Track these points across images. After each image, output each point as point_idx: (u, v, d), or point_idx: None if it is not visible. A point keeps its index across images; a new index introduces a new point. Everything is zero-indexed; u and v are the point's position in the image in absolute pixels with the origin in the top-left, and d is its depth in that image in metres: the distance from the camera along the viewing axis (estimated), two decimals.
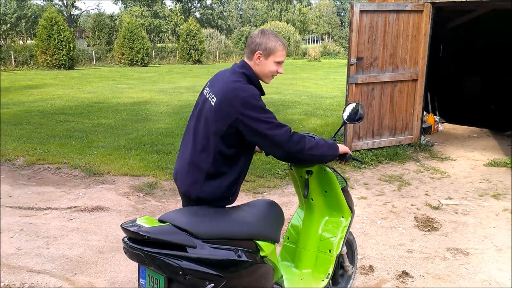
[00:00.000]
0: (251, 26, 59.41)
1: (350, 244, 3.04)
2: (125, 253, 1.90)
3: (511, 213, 4.54)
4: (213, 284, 1.92)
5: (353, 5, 6.21)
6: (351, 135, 6.48)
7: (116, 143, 7.57)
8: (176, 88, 16.61)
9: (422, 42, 6.69)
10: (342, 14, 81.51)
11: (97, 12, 47.92)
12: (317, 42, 60.58)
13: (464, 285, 3.22)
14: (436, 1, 6.52)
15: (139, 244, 1.84)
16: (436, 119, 8.61)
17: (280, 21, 55.86)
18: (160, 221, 2.02)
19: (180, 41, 35.25)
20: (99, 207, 4.77)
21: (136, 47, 30.81)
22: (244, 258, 2.04)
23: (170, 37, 52.62)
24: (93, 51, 34.07)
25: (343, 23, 77.49)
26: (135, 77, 21.96)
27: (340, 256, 2.74)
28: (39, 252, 3.72)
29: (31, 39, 36.74)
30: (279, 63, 2.29)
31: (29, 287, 3.18)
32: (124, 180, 5.67)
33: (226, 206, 2.33)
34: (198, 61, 34.81)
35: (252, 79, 2.27)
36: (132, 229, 1.83)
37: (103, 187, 5.42)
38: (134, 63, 30.97)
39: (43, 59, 26.31)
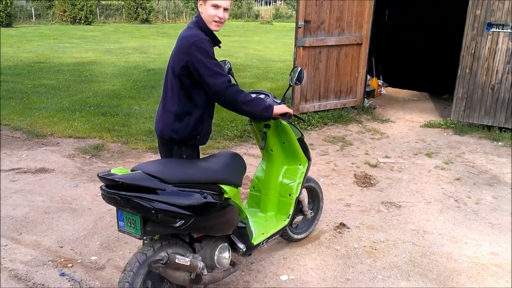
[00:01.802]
0: None
1: (315, 193, 3.39)
2: (103, 198, 2.15)
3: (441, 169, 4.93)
4: (183, 221, 2.16)
5: None
6: (298, 97, 6.64)
7: (59, 104, 7.33)
8: (123, 48, 16.00)
9: (367, 6, 6.85)
10: None
11: None
12: (269, 4, 59.82)
13: (395, 233, 3.52)
14: None
15: (115, 189, 2.07)
16: (380, 83, 8.95)
17: None
18: (132, 170, 2.23)
19: None
20: (43, 169, 4.68)
21: (79, 4, 29.05)
22: (209, 199, 2.29)
23: None
24: (32, 8, 31.83)
25: None
26: (78, 36, 20.87)
27: (299, 201, 3.09)
28: None
29: None
30: (216, 6, 2.43)
31: None
32: (69, 142, 5.56)
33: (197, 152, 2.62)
34: (146, 21, 33.42)
35: (202, 27, 2.47)
36: (108, 177, 2.06)
37: (47, 149, 5.29)
38: (77, 21, 29.27)
39: None
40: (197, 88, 2.45)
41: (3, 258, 3.05)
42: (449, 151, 5.54)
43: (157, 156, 3.51)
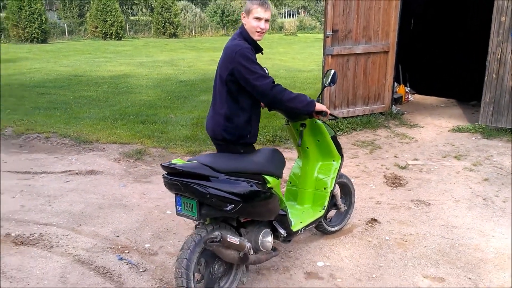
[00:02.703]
0: None
1: (348, 188, 3.64)
2: (165, 185, 2.49)
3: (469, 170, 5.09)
4: (233, 205, 2.46)
5: None
6: (327, 104, 6.89)
7: (101, 114, 7.79)
8: (154, 61, 16.64)
9: (393, 15, 7.08)
10: None
11: None
12: (293, 16, 60.42)
13: (425, 228, 3.72)
14: None
15: (176, 177, 2.41)
16: (407, 90, 9.11)
17: None
18: (189, 160, 2.56)
19: (155, 14, 34.67)
20: (93, 171, 5.07)
21: (110, 20, 30.22)
22: (254, 187, 2.58)
23: (144, 10, 51.47)
24: (65, 24, 33.22)
25: None
26: (111, 50, 21.75)
27: (333, 195, 3.35)
28: (42, 209, 4.04)
29: (0, 12, 35.49)
30: (258, 19, 2.72)
31: (38, 236, 3.51)
32: (114, 148, 5.96)
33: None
34: (173, 35, 34.40)
35: (246, 38, 2.77)
36: (170, 166, 2.41)
37: (94, 154, 5.70)
38: (108, 36, 30.43)
39: (14, 32, 25.62)
40: (243, 93, 2.72)
41: (67, 245, 3.40)
42: (477, 153, 5.69)
43: None
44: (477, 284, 2.94)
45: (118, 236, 3.55)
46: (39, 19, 25.78)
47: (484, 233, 3.64)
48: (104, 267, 3.10)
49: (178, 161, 2.50)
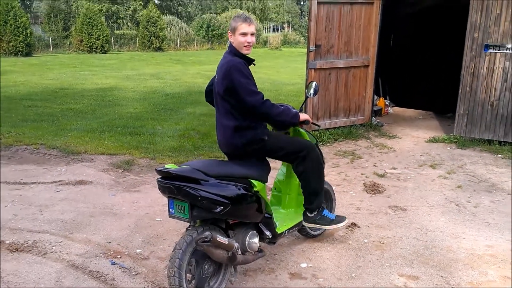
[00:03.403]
0: (211, 13, 59.09)
1: (329, 195, 3.83)
2: (159, 188, 2.69)
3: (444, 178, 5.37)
4: (222, 207, 2.64)
5: None
6: (311, 115, 7.13)
7: (89, 126, 7.92)
8: (140, 75, 16.79)
9: (373, 32, 7.42)
10: (302, 3, 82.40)
11: None
12: (277, 31, 61.29)
13: (401, 231, 3.95)
14: None
15: (169, 180, 2.60)
16: (387, 103, 9.45)
17: (240, 9, 56.06)
18: (182, 166, 2.76)
19: (141, 28, 34.95)
20: (82, 181, 5.20)
21: (95, 34, 30.36)
22: (242, 191, 2.78)
23: (129, 24, 51.66)
24: (50, 38, 33.21)
25: (303, 12, 78.40)
26: (96, 64, 21.83)
27: None
28: (34, 217, 4.16)
29: None
30: (244, 34, 2.93)
31: (32, 243, 3.63)
32: (102, 159, 6.09)
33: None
34: (159, 49, 34.66)
35: (235, 53, 2.97)
36: (164, 170, 2.61)
37: (83, 165, 5.83)
38: (93, 50, 30.53)
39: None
40: (242, 103, 2.88)
41: (60, 251, 3.53)
42: (451, 162, 5.98)
43: None
44: (448, 281, 3.17)
45: (110, 242, 3.69)
46: (24, 33, 25.79)
47: (456, 235, 3.88)
48: (98, 271, 3.24)
49: (172, 166, 2.70)
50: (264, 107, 2.86)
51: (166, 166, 2.67)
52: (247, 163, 3.00)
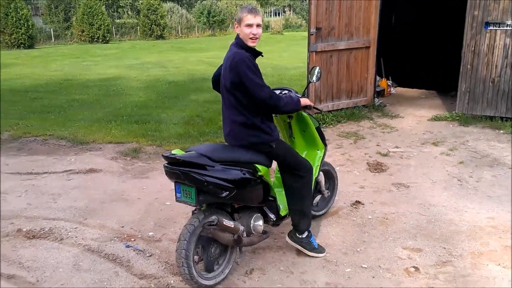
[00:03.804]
0: None
1: (331, 175, 3.91)
2: (166, 174, 2.77)
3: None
4: (228, 192, 2.72)
5: None
6: (313, 98, 7.22)
7: (95, 116, 8.03)
8: (143, 63, 16.84)
9: (373, 13, 7.43)
10: None
11: None
12: (279, 15, 60.74)
13: (404, 207, 4.06)
14: None
15: (176, 166, 2.67)
16: (389, 83, 9.49)
17: None
18: (187, 151, 2.82)
19: (141, 16, 34.82)
20: (92, 169, 5.33)
21: (97, 24, 30.34)
22: (247, 175, 2.85)
23: (129, 13, 51.41)
24: (51, 29, 33.21)
25: None
26: (99, 54, 21.88)
27: (317, 182, 3.61)
28: (48, 206, 4.30)
29: None
30: (249, 25, 2.89)
31: (49, 230, 3.78)
32: (110, 147, 6.21)
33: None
34: (160, 37, 34.57)
35: (242, 46, 2.92)
36: (171, 156, 2.67)
37: (92, 154, 5.95)
38: (95, 40, 30.53)
39: (1, 38, 25.61)
40: (249, 97, 2.87)
41: (76, 237, 3.68)
42: (454, 139, 6.06)
43: None
44: (451, 252, 3.28)
45: (123, 227, 3.83)
46: (25, 25, 25.84)
47: (458, 209, 3.99)
48: (113, 254, 3.38)
49: (178, 152, 2.78)
50: (272, 100, 2.87)
51: (173, 152, 2.74)
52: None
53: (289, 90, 3.46)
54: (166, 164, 2.75)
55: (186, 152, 2.83)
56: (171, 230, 3.75)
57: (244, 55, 2.83)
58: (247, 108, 2.90)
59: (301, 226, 3.23)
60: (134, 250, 3.43)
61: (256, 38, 2.92)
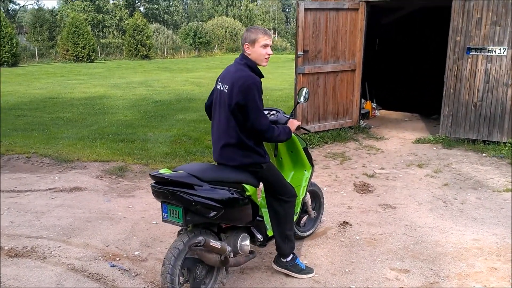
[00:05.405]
0: (198, 21, 59.25)
1: (317, 195, 3.90)
2: (153, 193, 2.70)
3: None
4: (216, 212, 2.68)
5: (299, 4, 7.00)
6: (300, 119, 7.28)
7: (80, 134, 7.95)
8: (128, 83, 16.82)
9: (358, 37, 7.61)
10: (287, 10, 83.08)
11: (36, 7, 46.12)
12: None
13: (391, 228, 4.09)
14: (369, 0, 7.46)
15: (164, 185, 2.62)
16: (374, 106, 9.65)
17: (226, 16, 56.32)
18: (175, 170, 2.77)
19: (127, 37, 34.94)
20: (77, 188, 5.25)
21: (82, 43, 30.29)
22: (235, 195, 2.83)
23: (115, 33, 51.57)
24: (36, 48, 33.02)
25: (288, 19, 79.04)
26: (84, 72, 21.79)
27: (304, 203, 3.60)
28: (31, 224, 4.20)
29: None
30: (265, 46, 2.92)
31: (31, 249, 3.68)
32: (95, 165, 6.14)
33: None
34: (146, 57, 34.67)
35: (252, 67, 2.92)
36: (158, 175, 2.62)
37: (76, 172, 5.87)
38: (79, 59, 30.44)
39: None
40: (247, 121, 2.84)
41: (59, 256, 3.59)
42: (438, 162, 6.16)
43: None
44: (437, 273, 3.30)
45: (108, 246, 3.75)
46: (9, 43, 25.63)
47: (444, 230, 4.03)
48: (98, 274, 3.30)
49: (166, 171, 2.73)
50: (269, 131, 2.88)
51: (160, 171, 2.70)
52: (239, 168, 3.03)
53: (277, 111, 3.48)
54: (153, 184, 2.70)
55: (173, 171, 2.79)
56: (157, 249, 3.69)
57: (257, 80, 2.84)
58: (244, 130, 2.88)
59: (285, 250, 3.22)
60: (119, 270, 3.36)
61: (268, 59, 3.01)
